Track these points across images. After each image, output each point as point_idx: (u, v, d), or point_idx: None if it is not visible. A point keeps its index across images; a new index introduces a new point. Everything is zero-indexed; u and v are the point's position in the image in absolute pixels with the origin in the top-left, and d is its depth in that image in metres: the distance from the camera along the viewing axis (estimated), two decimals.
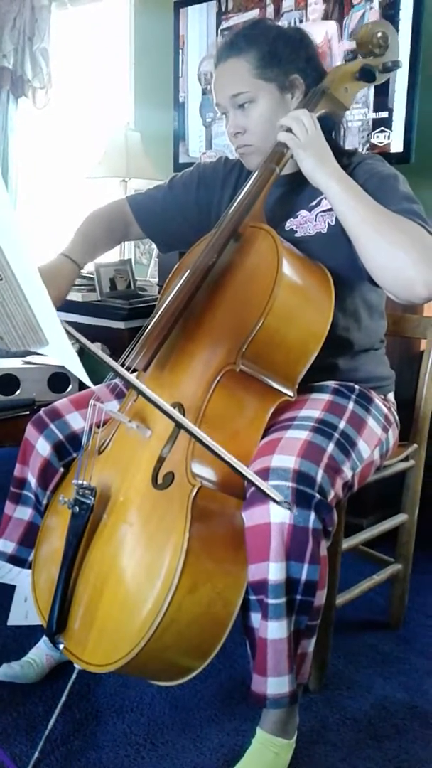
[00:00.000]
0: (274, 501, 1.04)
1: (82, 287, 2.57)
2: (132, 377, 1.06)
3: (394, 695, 1.50)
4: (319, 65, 1.38)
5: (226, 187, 1.50)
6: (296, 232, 1.36)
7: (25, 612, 1.72)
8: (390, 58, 1.35)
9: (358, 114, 2.23)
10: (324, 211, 1.35)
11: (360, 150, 2.21)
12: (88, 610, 1.16)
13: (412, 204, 1.23)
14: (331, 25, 2.28)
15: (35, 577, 1.32)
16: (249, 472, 1.03)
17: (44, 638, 1.49)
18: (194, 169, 1.56)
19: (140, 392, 1.01)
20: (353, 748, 1.34)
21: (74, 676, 1.20)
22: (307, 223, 1.36)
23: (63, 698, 1.24)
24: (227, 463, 1.01)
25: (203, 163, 1.57)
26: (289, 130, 1.25)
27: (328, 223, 1.34)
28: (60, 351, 1.15)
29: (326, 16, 2.30)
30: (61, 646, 1.18)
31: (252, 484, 1.04)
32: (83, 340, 1.11)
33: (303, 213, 1.37)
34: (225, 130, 1.40)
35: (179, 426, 1.03)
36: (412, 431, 1.63)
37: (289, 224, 1.37)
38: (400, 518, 1.65)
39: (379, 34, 1.32)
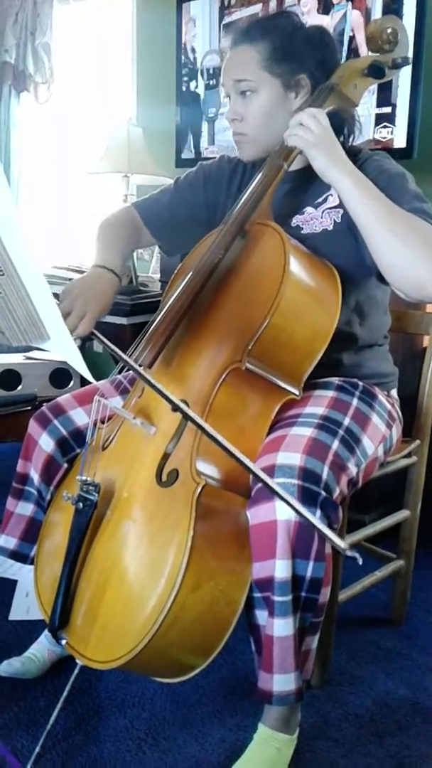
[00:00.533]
0: (282, 498, 1.02)
1: None
2: (139, 368, 1.06)
3: (396, 691, 1.50)
4: (333, 67, 1.35)
5: (231, 184, 1.50)
6: (302, 228, 1.36)
7: (26, 607, 1.72)
8: (399, 54, 1.34)
9: (362, 110, 2.23)
10: (330, 208, 1.34)
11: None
12: (91, 606, 1.16)
13: (422, 203, 1.23)
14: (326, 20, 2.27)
15: (38, 572, 1.32)
16: (257, 469, 1.03)
17: (45, 633, 1.49)
18: (198, 169, 1.55)
19: (149, 383, 1.01)
20: (355, 744, 1.35)
21: (76, 671, 1.20)
22: (313, 220, 1.35)
23: (65, 693, 1.24)
24: (235, 457, 1.00)
25: (205, 163, 1.56)
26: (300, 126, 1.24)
27: (335, 220, 1.33)
28: (61, 346, 1.15)
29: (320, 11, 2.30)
30: (64, 642, 1.18)
31: (259, 480, 1.03)
32: (108, 342, 1.12)
33: (309, 210, 1.36)
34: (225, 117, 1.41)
35: (187, 417, 1.03)
36: (415, 427, 1.63)
37: (296, 221, 1.37)
38: (403, 514, 1.66)
39: (389, 30, 1.31)
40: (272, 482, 1.01)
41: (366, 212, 1.19)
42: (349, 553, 0.94)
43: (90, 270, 1.42)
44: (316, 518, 1.00)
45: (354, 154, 1.33)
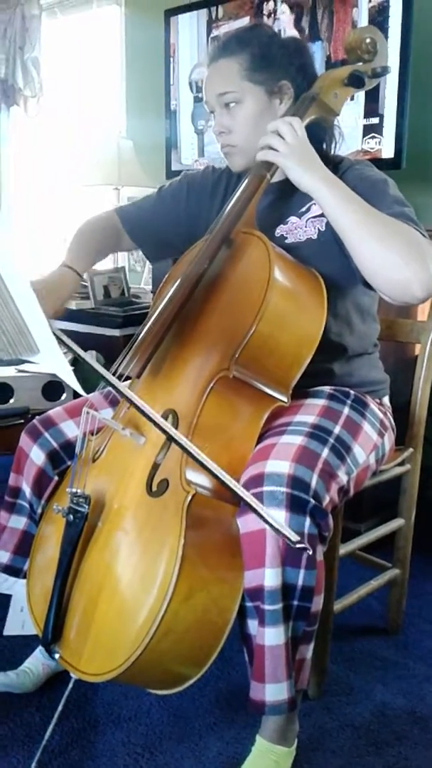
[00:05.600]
0: (256, 512, 1.00)
1: (76, 295, 2.57)
2: (123, 387, 1.06)
3: (393, 701, 1.49)
4: (312, 75, 1.38)
5: (215, 195, 1.51)
6: (287, 238, 1.36)
7: (21, 622, 1.71)
8: (379, 63, 1.36)
9: (349, 120, 2.24)
10: (314, 217, 1.35)
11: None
12: (84, 619, 1.15)
13: (403, 207, 1.23)
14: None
15: (30, 586, 1.31)
16: (236, 486, 1.01)
17: (40, 647, 1.48)
18: (182, 179, 1.56)
19: (132, 403, 1.01)
20: (353, 755, 1.34)
21: (70, 685, 1.19)
22: (297, 229, 1.36)
23: (60, 708, 1.23)
24: (217, 478, 1.00)
25: (190, 172, 1.57)
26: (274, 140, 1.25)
27: (318, 228, 1.34)
28: (51, 359, 1.15)
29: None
30: (57, 656, 1.17)
31: (237, 496, 1.01)
32: (75, 347, 1.11)
33: (293, 219, 1.37)
34: (212, 130, 1.42)
35: (170, 439, 1.03)
36: (408, 435, 1.63)
37: (279, 231, 1.37)
38: (397, 523, 1.65)
39: (368, 40, 1.33)
40: (248, 496, 1.00)
41: (345, 218, 1.19)
42: (299, 545, 1.00)
43: (56, 269, 1.44)
44: (266, 513, 1.00)
45: (336, 164, 1.34)
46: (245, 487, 1.12)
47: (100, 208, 1.62)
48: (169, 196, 1.56)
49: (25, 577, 1.40)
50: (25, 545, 1.42)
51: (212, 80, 1.37)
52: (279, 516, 1.08)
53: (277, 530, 0.98)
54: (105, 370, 1.08)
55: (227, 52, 1.34)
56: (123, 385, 1.10)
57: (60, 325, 1.31)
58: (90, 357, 1.21)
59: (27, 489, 1.40)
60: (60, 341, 1.24)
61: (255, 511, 1.00)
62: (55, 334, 1.26)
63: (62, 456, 1.39)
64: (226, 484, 1.00)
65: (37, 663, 1.48)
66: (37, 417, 1.44)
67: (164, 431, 1.02)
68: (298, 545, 0.99)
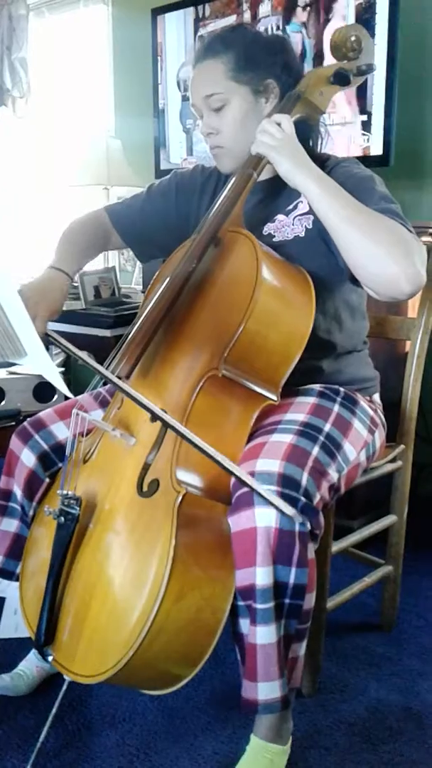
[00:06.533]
0: (261, 496, 1.04)
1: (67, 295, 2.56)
2: (118, 380, 1.06)
3: (387, 697, 1.49)
4: (298, 73, 1.38)
5: (204, 194, 1.50)
6: (274, 236, 1.36)
7: (15, 624, 1.71)
8: (364, 61, 1.36)
9: (338, 118, 2.24)
10: (301, 215, 1.35)
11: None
12: (76, 620, 1.15)
13: (390, 204, 1.23)
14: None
15: (23, 589, 1.31)
16: (237, 470, 1.04)
17: (33, 650, 1.48)
18: (171, 177, 1.56)
19: (128, 395, 1.01)
20: (348, 752, 1.34)
21: (64, 687, 1.19)
22: (284, 227, 1.36)
23: (54, 710, 1.23)
24: (215, 460, 1.02)
25: (180, 171, 1.57)
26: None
27: (306, 226, 1.34)
28: (38, 361, 1.15)
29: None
30: (50, 658, 1.17)
31: (240, 481, 1.04)
32: (69, 345, 1.11)
33: (280, 217, 1.37)
34: (200, 132, 1.41)
35: (167, 426, 1.04)
36: (399, 432, 1.64)
37: (267, 229, 1.37)
38: (389, 519, 1.65)
39: (353, 38, 1.33)
40: (250, 480, 1.03)
41: (334, 214, 1.19)
42: (299, 519, 1.08)
43: (44, 271, 1.43)
44: (269, 493, 1.06)
45: (323, 161, 1.34)
46: (236, 486, 1.12)
47: (90, 208, 1.61)
48: (159, 194, 1.55)
49: (17, 580, 1.40)
50: (17, 548, 1.42)
51: (198, 82, 1.36)
52: (269, 514, 1.08)
53: (278, 509, 1.03)
54: (99, 365, 1.09)
55: (211, 54, 1.34)
56: (117, 379, 1.11)
57: (51, 326, 1.30)
58: (85, 354, 1.22)
59: (18, 491, 1.40)
60: (54, 341, 1.24)
61: (254, 490, 1.03)
62: (48, 334, 1.26)
63: (53, 458, 1.38)
64: (225, 467, 1.02)
65: (31, 666, 1.48)
66: (27, 419, 1.44)
67: (161, 419, 1.04)
68: (297, 521, 1.06)
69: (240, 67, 1.32)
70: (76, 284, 2.49)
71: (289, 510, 1.05)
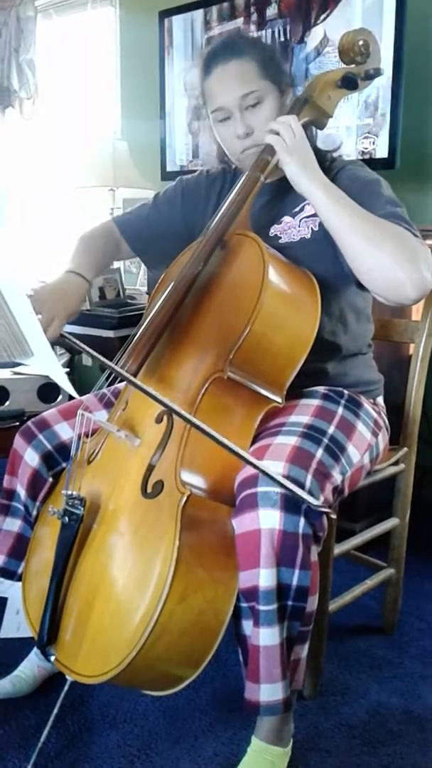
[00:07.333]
0: (270, 477, 1.07)
1: None
2: (127, 374, 1.07)
3: (388, 700, 1.49)
4: (291, 80, 1.42)
5: (209, 198, 1.51)
6: (280, 238, 1.37)
7: (17, 624, 1.71)
8: (372, 65, 1.36)
9: (344, 121, 2.25)
10: (307, 217, 1.35)
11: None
12: (79, 621, 1.15)
13: (395, 208, 1.23)
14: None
15: (26, 589, 1.31)
16: (248, 455, 1.06)
17: (35, 650, 1.48)
18: (177, 184, 1.56)
19: (136, 386, 1.02)
20: (348, 755, 1.34)
21: (66, 687, 1.19)
22: (291, 229, 1.36)
23: (55, 710, 1.23)
24: (226, 446, 1.03)
25: (185, 177, 1.57)
26: (277, 133, 1.26)
27: (312, 228, 1.34)
28: (45, 362, 1.16)
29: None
30: (53, 658, 1.17)
31: (252, 465, 1.06)
32: (83, 345, 1.12)
33: (287, 219, 1.37)
34: (222, 136, 1.38)
35: (173, 412, 1.06)
36: (402, 435, 1.64)
37: (273, 230, 1.38)
38: (392, 522, 1.65)
39: (361, 42, 1.33)
40: (262, 465, 1.06)
41: (339, 221, 1.20)
42: (324, 509, 1.09)
43: (62, 275, 1.43)
44: (301, 490, 1.07)
45: (329, 162, 1.35)
46: (240, 488, 1.13)
47: (96, 209, 1.62)
48: (165, 202, 1.56)
49: (19, 579, 1.41)
50: (20, 548, 1.42)
51: (230, 82, 1.33)
52: (273, 516, 1.08)
53: (294, 493, 1.05)
54: (107, 360, 1.10)
55: (236, 54, 1.33)
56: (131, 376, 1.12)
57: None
58: (93, 351, 1.23)
59: (22, 491, 1.40)
60: (70, 341, 1.26)
61: (266, 473, 1.05)
62: (63, 335, 1.28)
63: (57, 458, 1.39)
64: (239, 454, 1.04)
65: (31, 666, 1.48)
66: (31, 419, 1.44)
67: (170, 408, 1.06)
68: (320, 509, 1.08)
69: (267, 66, 1.33)
70: None
71: (301, 492, 1.05)
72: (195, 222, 1.50)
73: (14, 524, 1.44)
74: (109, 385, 1.47)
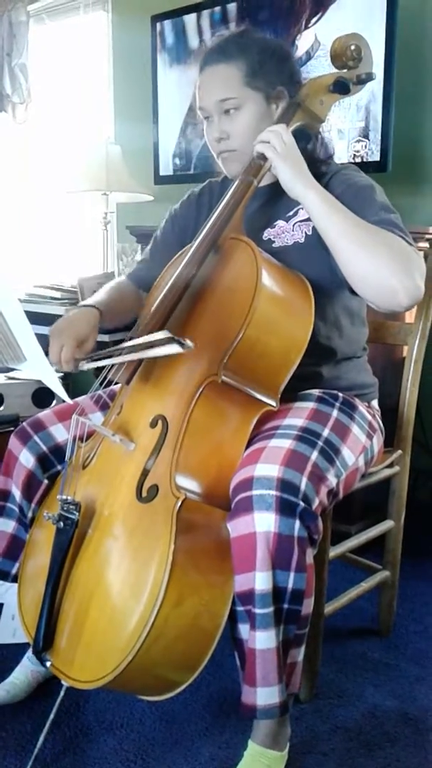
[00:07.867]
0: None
1: (65, 300, 2.57)
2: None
3: (384, 703, 1.50)
4: (299, 80, 1.39)
5: (201, 210, 1.52)
6: (274, 242, 1.37)
7: (12, 630, 1.70)
8: (364, 70, 1.37)
9: (337, 124, 2.25)
10: (301, 221, 1.35)
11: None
12: (75, 626, 1.15)
13: (389, 214, 1.24)
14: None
15: (21, 594, 1.31)
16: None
17: (28, 654, 1.48)
18: (167, 218, 1.59)
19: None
20: (345, 758, 1.34)
21: (62, 693, 1.18)
22: (284, 233, 1.37)
23: (51, 716, 1.22)
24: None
25: (173, 207, 1.59)
26: (267, 142, 1.26)
27: (305, 232, 1.34)
28: (37, 367, 1.16)
29: None
30: (48, 664, 1.16)
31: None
32: (100, 363, 1.13)
33: (280, 223, 1.38)
34: (205, 135, 1.41)
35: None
36: (397, 438, 1.64)
37: (267, 234, 1.38)
38: (387, 525, 1.66)
39: (353, 47, 1.34)
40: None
41: (333, 227, 1.20)
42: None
43: (79, 307, 1.45)
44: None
45: (323, 166, 1.35)
46: (235, 491, 1.13)
47: (89, 214, 1.62)
48: (162, 241, 1.58)
49: (13, 580, 1.40)
50: (13, 549, 1.42)
51: (211, 86, 1.36)
52: (269, 519, 1.08)
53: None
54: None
55: (224, 58, 1.34)
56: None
57: (38, 330, 1.31)
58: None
59: (17, 492, 1.40)
60: (95, 360, 1.26)
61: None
62: (77, 359, 1.28)
63: (52, 460, 1.39)
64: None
65: (25, 671, 1.47)
66: (26, 420, 1.44)
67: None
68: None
69: (254, 73, 1.33)
70: (74, 289, 2.49)
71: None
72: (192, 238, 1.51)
73: (8, 525, 1.43)
74: (104, 387, 1.47)
